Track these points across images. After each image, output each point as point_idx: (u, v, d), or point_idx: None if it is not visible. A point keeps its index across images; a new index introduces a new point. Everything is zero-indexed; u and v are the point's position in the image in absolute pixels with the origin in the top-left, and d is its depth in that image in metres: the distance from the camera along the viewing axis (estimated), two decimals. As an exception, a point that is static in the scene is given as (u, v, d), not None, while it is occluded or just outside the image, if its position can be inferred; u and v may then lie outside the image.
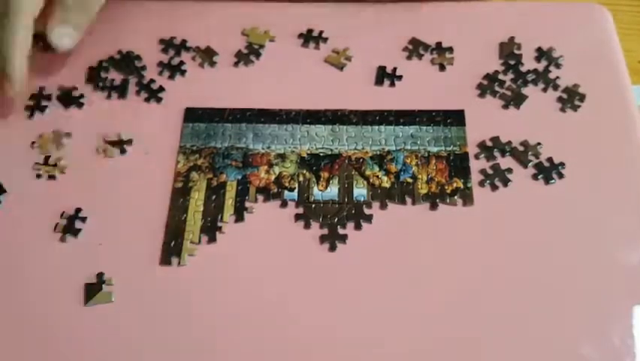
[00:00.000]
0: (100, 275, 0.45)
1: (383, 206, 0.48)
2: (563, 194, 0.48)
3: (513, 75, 0.54)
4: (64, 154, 0.50)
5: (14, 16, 0.46)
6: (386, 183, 0.49)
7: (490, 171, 0.49)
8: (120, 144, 0.50)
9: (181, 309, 0.44)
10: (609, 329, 0.42)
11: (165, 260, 0.45)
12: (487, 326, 0.43)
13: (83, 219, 0.47)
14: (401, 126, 0.51)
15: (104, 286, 0.44)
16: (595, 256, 0.45)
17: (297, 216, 0.47)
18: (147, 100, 0.53)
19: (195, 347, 0.42)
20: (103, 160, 0.50)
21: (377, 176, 0.49)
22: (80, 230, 0.47)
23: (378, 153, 0.50)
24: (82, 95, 0.53)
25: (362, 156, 0.50)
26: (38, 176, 0.49)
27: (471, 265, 0.45)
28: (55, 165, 0.49)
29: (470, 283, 0.44)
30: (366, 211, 0.47)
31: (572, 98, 0.52)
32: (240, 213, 0.47)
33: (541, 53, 0.55)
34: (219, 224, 0.47)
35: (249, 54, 0.56)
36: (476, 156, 0.50)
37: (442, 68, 0.55)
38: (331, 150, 0.51)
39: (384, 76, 0.54)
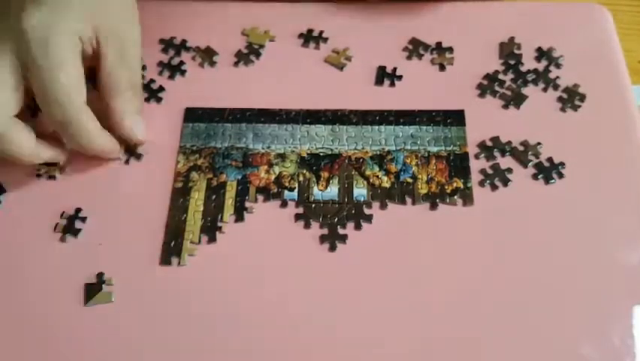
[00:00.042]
0: (100, 275, 0.45)
1: (383, 206, 0.48)
2: (563, 194, 0.48)
3: (513, 75, 0.54)
4: (64, 153, 0.50)
5: (78, 122, 0.45)
6: (386, 183, 0.49)
7: (490, 171, 0.49)
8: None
9: (181, 309, 0.44)
10: (609, 329, 0.42)
11: (165, 260, 0.45)
12: (487, 326, 0.43)
13: (83, 219, 0.47)
14: (401, 126, 0.51)
15: (104, 286, 0.44)
16: (595, 256, 0.45)
17: (297, 216, 0.47)
18: (147, 100, 0.53)
19: (195, 347, 0.42)
20: (103, 160, 0.50)
21: (377, 176, 0.49)
22: (80, 230, 0.47)
23: (378, 153, 0.50)
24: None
25: (362, 156, 0.50)
26: (38, 175, 0.49)
27: (471, 265, 0.45)
28: (55, 165, 0.49)
29: (470, 283, 0.44)
30: (366, 211, 0.47)
31: (572, 98, 0.52)
32: (239, 213, 0.47)
33: (542, 53, 0.55)
34: (219, 224, 0.47)
35: (249, 54, 0.56)
36: (476, 156, 0.50)
37: (442, 68, 0.55)
38: (331, 149, 0.51)
39: (384, 76, 0.54)
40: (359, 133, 0.51)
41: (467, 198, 0.48)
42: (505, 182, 0.48)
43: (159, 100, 0.53)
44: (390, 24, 0.57)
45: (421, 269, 0.45)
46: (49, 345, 0.43)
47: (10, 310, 0.44)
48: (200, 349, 0.42)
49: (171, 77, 0.55)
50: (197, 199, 0.48)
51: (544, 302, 0.43)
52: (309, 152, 0.50)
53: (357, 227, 0.47)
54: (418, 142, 0.51)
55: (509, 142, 0.50)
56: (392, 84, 0.54)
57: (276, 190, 0.48)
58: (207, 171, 0.50)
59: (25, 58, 0.43)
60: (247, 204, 0.48)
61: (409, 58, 0.55)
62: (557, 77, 0.54)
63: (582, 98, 0.52)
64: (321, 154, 0.50)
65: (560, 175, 0.49)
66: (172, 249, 0.46)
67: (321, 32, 0.57)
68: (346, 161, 0.50)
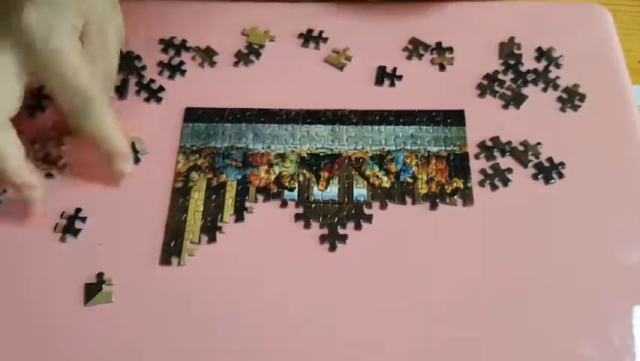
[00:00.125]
0: (100, 275, 0.45)
1: (383, 206, 0.48)
2: (563, 194, 0.48)
3: (513, 75, 0.54)
4: (64, 153, 0.50)
5: (93, 101, 0.45)
6: (386, 183, 0.49)
7: (490, 171, 0.49)
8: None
9: (181, 309, 0.44)
10: (609, 329, 0.42)
11: (165, 260, 0.45)
12: (487, 326, 0.43)
13: (83, 219, 0.47)
14: (401, 126, 0.51)
15: (104, 286, 0.44)
16: (595, 256, 0.45)
17: (297, 216, 0.47)
18: (147, 100, 0.53)
19: (195, 347, 0.42)
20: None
21: (377, 176, 0.49)
22: (80, 230, 0.47)
23: (378, 153, 0.50)
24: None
25: (362, 156, 0.50)
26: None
27: (471, 265, 0.45)
28: (54, 164, 0.50)
29: (470, 283, 0.44)
30: (366, 211, 0.47)
31: (572, 98, 0.52)
32: (239, 213, 0.47)
33: (541, 53, 0.55)
34: (219, 224, 0.47)
35: (249, 54, 0.56)
36: (476, 156, 0.50)
37: (442, 68, 0.55)
38: (331, 149, 0.51)
39: (384, 76, 0.54)
40: (359, 133, 0.51)
41: (467, 198, 0.48)
42: (505, 182, 0.48)
43: (159, 100, 0.53)
44: (390, 24, 0.57)
45: (421, 269, 0.45)
46: (49, 345, 0.43)
47: (10, 310, 0.44)
48: (200, 349, 0.42)
49: (171, 77, 0.55)
50: (197, 199, 0.48)
51: (544, 302, 0.43)
52: (309, 152, 0.50)
53: (357, 227, 0.47)
54: (418, 142, 0.51)
55: (509, 142, 0.50)
56: (392, 84, 0.54)
57: (276, 190, 0.48)
58: (207, 171, 0.50)
59: (28, 57, 0.43)
60: (247, 204, 0.48)
61: (409, 58, 0.55)
62: (557, 77, 0.54)
63: (582, 98, 0.52)
64: (321, 154, 0.50)
65: (560, 175, 0.49)
66: (172, 249, 0.46)
67: (321, 32, 0.57)
68: (346, 161, 0.50)
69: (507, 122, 0.51)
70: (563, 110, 0.52)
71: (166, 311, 0.44)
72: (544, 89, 0.53)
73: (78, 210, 0.48)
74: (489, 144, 0.50)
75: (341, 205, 0.48)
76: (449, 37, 0.56)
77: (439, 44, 0.56)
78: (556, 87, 0.53)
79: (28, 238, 0.47)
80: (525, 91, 0.53)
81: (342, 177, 0.49)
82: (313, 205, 0.48)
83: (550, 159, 0.49)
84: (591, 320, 0.43)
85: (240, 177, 0.49)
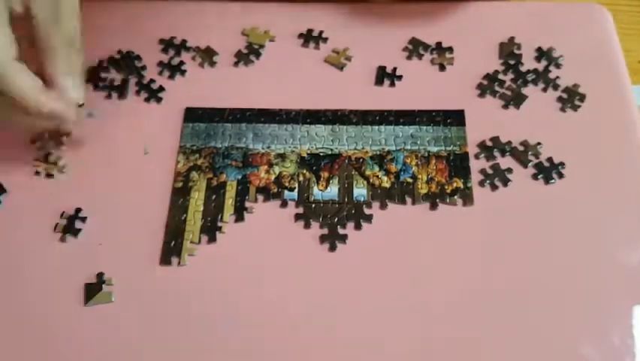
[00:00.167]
0: (100, 275, 0.45)
1: (383, 206, 0.48)
2: (563, 194, 0.48)
3: (513, 75, 0.54)
4: (64, 153, 0.50)
5: (4, 76, 0.42)
6: (386, 183, 0.49)
7: (490, 171, 0.49)
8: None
9: (181, 309, 0.44)
10: (609, 329, 0.42)
11: (165, 260, 0.45)
12: (487, 326, 0.43)
13: (83, 219, 0.47)
14: (401, 126, 0.51)
15: (104, 286, 0.44)
16: (595, 256, 0.45)
17: (297, 216, 0.47)
18: (147, 100, 0.53)
19: (195, 347, 0.42)
20: (103, 160, 0.50)
21: (377, 176, 0.49)
22: (80, 230, 0.47)
23: (378, 153, 0.50)
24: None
25: (362, 155, 0.50)
26: (37, 173, 0.49)
27: (471, 265, 0.45)
28: (55, 164, 0.50)
29: (470, 283, 0.44)
30: (366, 211, 0.47)
31: (572, 98, 0.52)
32: (239, 213, 0.47)
33: (541, 53, 0.55)
34: (219, 224, 0.47)
35: (248, 54, 0.56)
36: (476, 156, 0.50)
37: (442, 68, 0.55)
38: (331, 149, 0.51)
39: (384, 76, 0.54)
40: (359, 133, 0.51)
41: (467, 198, 0.48)
42: (505, 182, 0.48)
43: (159, 100, 0.53)
44: (390, 24, 0.57)
45: (421, 269, 0.45)
46: (49, 345, 0.43)
47: (10, 310, 0.44)
48: (200, 349, 0.42)
49: (171, 77, 0.55)
50: (197, 199, 0.48)
51: (544, 302, 0.43)
52: (309, 152, 0.50)
53: (357, 227, 0.47)
54: (418, 142, 0.51)
55: (509, 142, 0.50)
56: (392, 84, 0.54)
57: (276, 190, 0.48)
58: (207, 171, 0.50)
59: None
60: (247, 204, 0.48)
61: (409, 58, 0.55)
62: (557, 77, 0.54)
63: (582, 98, 0.52)
64: (321, 154, 0.50)
65: (560, 175, 0.49)
66: (172, 249, 0.46)
67: (321, 32, 0.57)
68: (346, 161, 0.50)
69: (507, 122, 0.51)
70: (563, 110, 0.52)
71: (166, 311, 0.44)
72: (544, 89, 0.53)
73: (78, 210, 0.48)
74: (489, 144, 0.50)
75: (341, 205, 0.48)
76: (449, 37, 0.56)
77: (439, 44, 0.56)
78: (556, 87, 0.53)
79: (28, 238, 0.47)
80: (525, 91, 0.53)
81: (342, 177, 0.49)
82: (313, 205, 0.48)
83: (550, 159, 0.49)
84: (591, 320, 0.43)
85: (239, 177, 0.49)
